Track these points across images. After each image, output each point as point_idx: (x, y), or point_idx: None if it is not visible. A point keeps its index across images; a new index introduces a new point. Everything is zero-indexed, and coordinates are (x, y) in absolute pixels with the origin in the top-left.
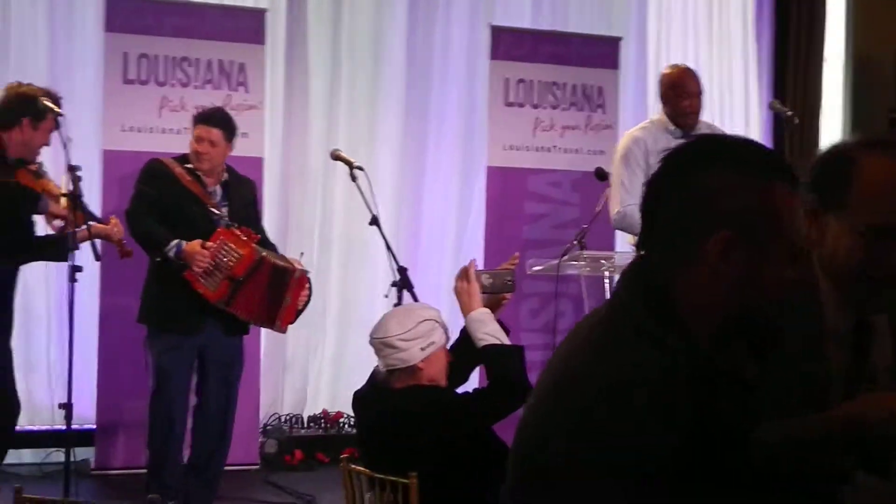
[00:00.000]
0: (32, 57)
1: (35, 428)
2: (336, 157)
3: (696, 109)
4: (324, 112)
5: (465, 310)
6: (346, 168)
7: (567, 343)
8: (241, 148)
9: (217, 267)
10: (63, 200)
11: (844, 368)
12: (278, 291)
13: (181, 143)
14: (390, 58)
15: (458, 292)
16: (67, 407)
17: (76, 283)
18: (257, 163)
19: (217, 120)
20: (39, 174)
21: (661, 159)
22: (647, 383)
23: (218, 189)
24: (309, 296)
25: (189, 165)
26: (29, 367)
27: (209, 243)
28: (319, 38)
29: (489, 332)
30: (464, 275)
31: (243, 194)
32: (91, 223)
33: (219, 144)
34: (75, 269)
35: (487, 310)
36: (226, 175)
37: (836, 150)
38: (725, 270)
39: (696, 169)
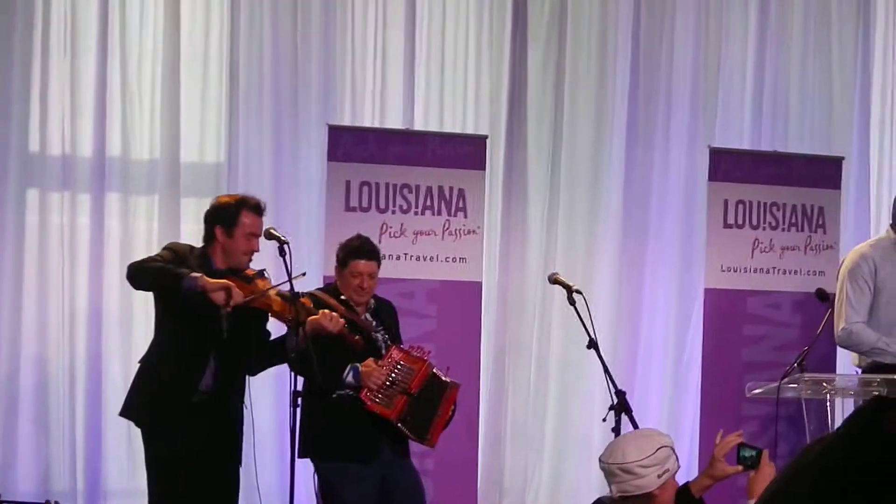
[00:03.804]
0: (257, 184)
1: None
2: (554, 280)
3: None
4: (541, 236)
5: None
6: (563, 291)
7: None
8: (459, 273)
9: (393, 383)
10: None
11: None
12: (435, 405)
13: (401, 269)
14: (608, 180)
15: (755, 481)
16: None
17: (297, 409)
18: (475, 287)
19: (374, 253)
20: (251, 279)
21: None
22: None
23: (369, 316)
24: (453, 412)
25: (343, 297)
26: (251, 492)
27: (382, 361)
28: (538, 164)
29: None
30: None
31: (388, 315)
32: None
33: (375, 276)
34: (297, 394)
35: None
36: (372, 301)
37: None
38: None
39: None
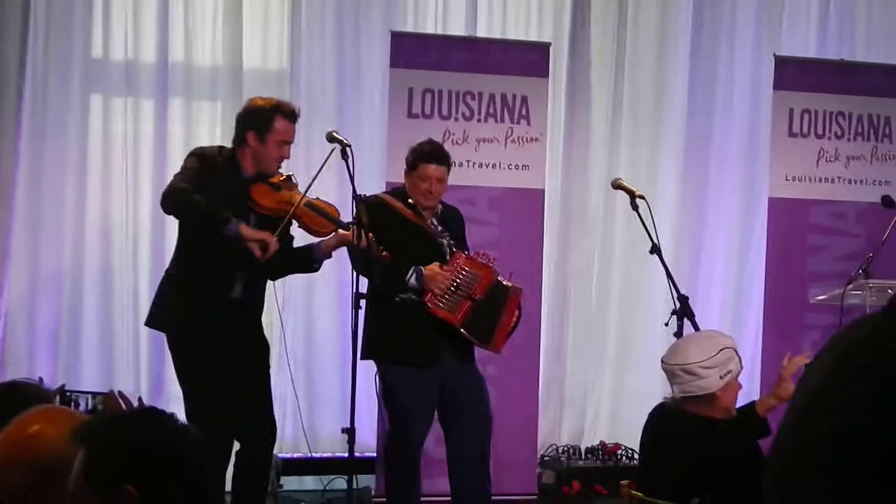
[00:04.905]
0: (320, 90)
1: (318, 455)
2: (617, 185)
3: None
4: (604, 143)
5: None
6: (626, 198)
7: None
8: (521, 180)
9: (457, 288)
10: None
11: None
12: (499, 310)
13: (464, 176)
14: (672, 88)
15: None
16: (350, 432)
17: (360, 311)
18: (538, 195)
19: (444, 158)
20: (279, 187)
21: None
22: None
23: (435, 221)
24: (518, 317)
25: (410, 201)
26: (313, 395)
27: (447, 266)
28: (601, 71)
29: None
30: None
31: (455, 222)
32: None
33: (444, 181)
34: (359, 296)
35: None
36: (440, 207)
37: None
38: None
39: None
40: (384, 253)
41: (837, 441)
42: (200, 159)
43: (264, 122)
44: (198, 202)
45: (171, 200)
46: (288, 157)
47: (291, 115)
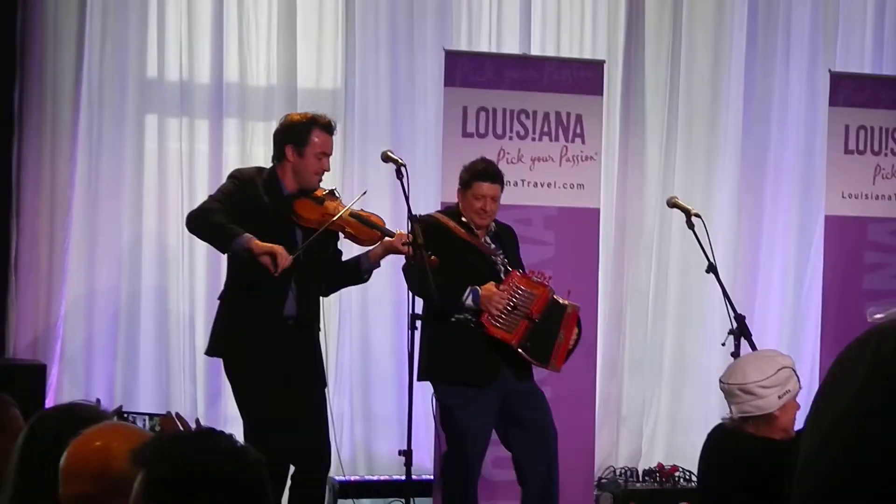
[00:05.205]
0: (374, 110)
1: (375, 477)
2: (673, 204)
3: None
4: (659, 161)
5: None
6: (682, 216)
7: None
8: (576, 199)
9: (514, 308)
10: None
11: None
12: (556, 329)
13: (519, 195)
14: (727, 106)
15: None
16: (407, 454)
17: (416, 332)
18: (594, 214)
19: (498, 176)
20: (321, 200)
21: None
22: None
23: (489, 240)
24: (578, 335)
25: (464, 219)
26: (370, 417)
27: (503, 286)
28: (656, 89)
29: None
30: None
31: (509, 240)
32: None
33: (498, 199)
34: (415, 317)
35: None
36: (493, 225)
37: None
38: None
39: None
40: (432, 257)
41: (863, 472)
42: (235, 181)
43: (301, 135)
44: (211, 219)
45: (190, 218)
46: (328, 170)
47: (328, 127)
